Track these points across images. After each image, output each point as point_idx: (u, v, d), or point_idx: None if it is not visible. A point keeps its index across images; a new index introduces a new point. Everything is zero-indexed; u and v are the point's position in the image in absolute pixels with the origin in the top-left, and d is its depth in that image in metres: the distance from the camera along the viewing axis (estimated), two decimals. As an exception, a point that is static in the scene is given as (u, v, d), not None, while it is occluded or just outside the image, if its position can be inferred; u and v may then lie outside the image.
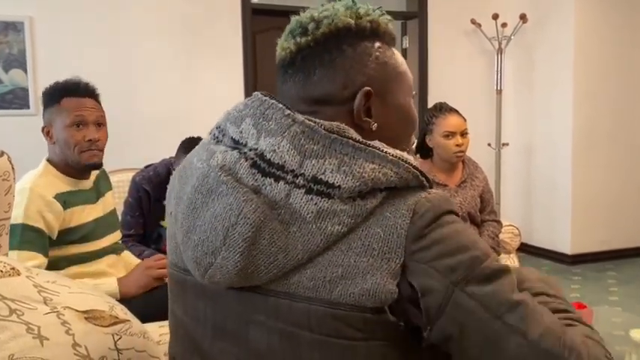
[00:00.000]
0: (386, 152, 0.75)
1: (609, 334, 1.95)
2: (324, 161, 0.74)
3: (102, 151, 1.77)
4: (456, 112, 2.40)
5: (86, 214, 1.76)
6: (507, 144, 4.79)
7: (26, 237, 1.59)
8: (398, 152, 0.77)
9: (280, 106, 0.78)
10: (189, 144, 2.34)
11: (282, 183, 0.74)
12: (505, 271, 0.74)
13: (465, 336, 0.72)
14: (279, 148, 0.75)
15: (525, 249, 4.74)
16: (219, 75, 4.19)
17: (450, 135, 2.34)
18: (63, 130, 1.70)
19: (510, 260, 2.59)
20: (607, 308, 2.62)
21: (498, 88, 4.78)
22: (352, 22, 0.83)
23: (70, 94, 1.71)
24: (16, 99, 3.82)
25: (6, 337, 0.92)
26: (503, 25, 4.64)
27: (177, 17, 4.17)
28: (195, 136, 2.34)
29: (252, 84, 4.37)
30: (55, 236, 1.66)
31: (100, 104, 1.80)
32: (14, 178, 1.43)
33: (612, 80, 4.51)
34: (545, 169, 4.73)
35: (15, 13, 3.80)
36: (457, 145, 2.34)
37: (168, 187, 0.90)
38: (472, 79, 4.99)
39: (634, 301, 3.52)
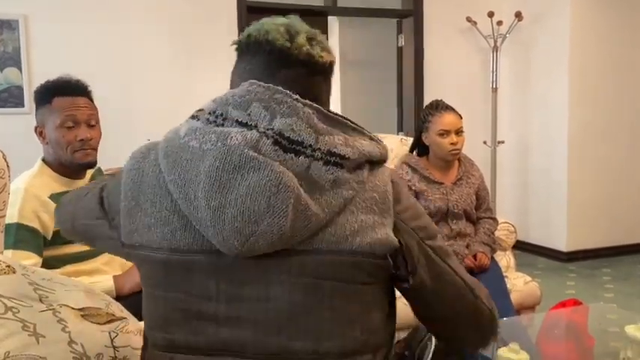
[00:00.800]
0: (369, 133, 0.96)
1: (604, 331, 1.96)
2: (334, 137, 0.88)
3: (95, 149, 1.75)
4: (452, 109, 2.40)
5: None
6: (503, 142, 4.80)
7: (21, 236, 1.58)
8: (375, 136, 0.98)
9: (287, 92, 0.88)
10: None
11: (302, 157, 0.85)
12: (436, 232, 0.99)
13: (433, 278, 0.95)
14: (296, 126, 0.85)
15: (521, 246, 4.75)
16: (215, 73, 4.17)
17: (444, 133, 2.34)
18: (54, 131, 1.68)
19: (506, 257, 2.59)
20: (602, 305, 2.63)
21: (494, 86, 4.79)
22: (334, 59, 1.00)
23: (61, 94, 1.69)
24: (11, 97, 3.80)
25: (1, 334, 0.92)
26: (499, 23, 4.65)
27: (173, 16, 4.16)
28: None
29: (247, 82, 4.36)
30: (50, 236, 1.65)
31: (92, 102, 1.78)
32: (9, 176, 1.43)
33: (608, 78, 4.53)
34: (540, 166, 4.74)
35: (9, 11, 3.78)
36: (452, 144, 2.35)
37: (137, 175, 0.91)
38: (468, 77, 5.00)
39: (629, 298, 3.54)
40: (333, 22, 6.12)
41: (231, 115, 0.87)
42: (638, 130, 4.68)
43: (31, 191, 1.63)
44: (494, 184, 4.76)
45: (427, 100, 4.74)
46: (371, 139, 0.95)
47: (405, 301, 2.33)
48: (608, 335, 1.91)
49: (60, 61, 3.79)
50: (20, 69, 3.80)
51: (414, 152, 2.52)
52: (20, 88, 3.80)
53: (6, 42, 3.78)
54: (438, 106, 2.41)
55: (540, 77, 4.69)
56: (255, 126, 0.85)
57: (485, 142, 4.79)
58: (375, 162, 0.94)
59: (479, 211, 2.48)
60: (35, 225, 1.61)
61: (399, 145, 2.89)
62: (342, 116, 0.92)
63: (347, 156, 0.87)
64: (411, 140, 2.58)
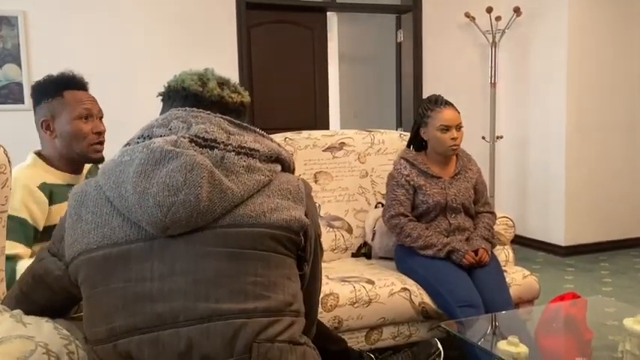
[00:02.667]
0: (276, 142, 1.16)
1: (603, 324, 1.97)
2: (244, 137, 1.09)
3: (103, 145, 1.77)
4: (452, 105, 2.40)
5: None
6: (501, 137, 4.81)
7: (8, 226, 1.57)
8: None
9: (202, 110, 1.10)
10: None
11: (216, 150, 1.04)
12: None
13: (313, 263, 1.16)
14: (209, 129, 1.05)
15: (519, 240, 4.77)
16: (214, 69, 4.18)
17: (445, 129, 2.35)
18: (69, 123, 1.68)
19: (505, 251, 2.60)
20: (600, 298, 2.64)
21: (492, 81, 4.79)
22: (246, 100, 1.26)
23: (72, 87, 1.70)
24: (11, 94, 3.81)
25: None
26: (498, 18, 4.65)
27: (172, 12, 4.16)
28: None
29: (247, 77, 4.36)
30: (40, 228, 1.63)
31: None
32: (10, 171, 1.43)
33: (606, 72, 4.53)
34: (539, 161, 4.75)
35: (9, 7, 3.78)
36: (452, 139, 2.35)
37: (80, 195, 1.06)
38: (466, 73, 5.00)
39: (627, 291, 3.56)
40: (331, 17, 6.12)
41: (155, 134, 1.06)
42: (636, 124, 4.69)
43: (21, 180, 1.61)
44: (493, 179, 4.78)
45: (426, 95, 4.75)
46: (279, 145, 1.15)
47: (403, 294, 2.33)
48: (606, 328, 1.93)
49: (59, 57, 3.79)
50: (20, 65, 3.80)
51: (412, 147, 2.53)
52: (20, 85, 3.81)
53: (5, 39, 3.78)
54: (438, 101, 2.40)
55: (538, 72, 4.70)
56: (175, 134, 1.05)
57: (483, 137, 4.80)
58: (286, 167, 1.16)
59: (477, 205, 2.49)
60: (24, 215, 1.60)
61: (397, 141, 2.90)
62: (252, 126, 1.13)
63: (257, 149, 1.08)
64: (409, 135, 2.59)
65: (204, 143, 1.03)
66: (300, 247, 1.09)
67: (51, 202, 1.65)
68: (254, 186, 1.04)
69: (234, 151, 1.05)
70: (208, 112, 1.09)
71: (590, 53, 4.47)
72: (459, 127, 2.38)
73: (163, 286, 0.96)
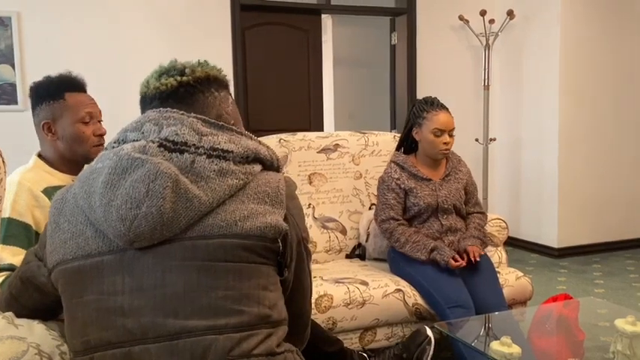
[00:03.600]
0: (257, 139, 1.10)
1: (595, 325, 1.99)
2: (218, 137, 1.01)
3: (104, 146, 1.75)
4: (447, 109, 2.41)
5: None
6: (495, 139, 4.84)
7: (11, 231, 1.55)
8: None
9: (176, 110, 1.03)
10: None
11: (186, 154, 0.98)
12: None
13: (298, 271, 1.10)
14: (180, 131, 0.99)
15: (513, 242, 4.79)
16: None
17: (439, 133, 2.36)
18: (72, 126, 1.68)
19: (498, 253, 2.62)
20: (592, 300, 2.66)
21: (486, 83, 4.82)
22: (217, 73, 1.13)
23: (72, 89, 1.70)
24: (4, 94, 3.79)
25: None
26: (491, 21, 4.68)
27: (167, 13, 4.15)
28: None
29: (242, 79, 4.36)
30: (41, 232, 1.63)
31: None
32: (5, 172, 1.43)
33: (598, 75, 4.57)
34: (532, 163, 4.78)
35: (2, 8, 3.76)
36: (444, 144, 2.37)
37: (60, 203, 1.04)
38: (460, 75, 5.03)
39: (619, 293, 3.58)
40: (326, 19, 6.13)
41: (128, 138, 1.02)
42: (628, 127, 4.73)
43: (25, 185, 1.61)
44: (487, 181, 4.80)
45: (420, 97, 4.76)
46: (259, 143, 1.08)
47: (397, 295, 2.34)
48: (598, 329, 1.94)
49: (53, 58, 3.78)
50: (13, 66, 3.79)
51: (401, 150, 2.54)
52: (13, 86, 3.79)
53: (-1, 39, 3.76)
54: (434, 104, 2.41)
55: (531, 75, 4.73)
56: (147, 138, 1.00)
57: (477, 140, 4.82)
58: (268, 165, 1.09)
59: (468, 205, 2.50)
60: (28, 220, 1.59)
61: (391, 143, 2.91)
62: (227, 124, 1.06)
63: (230, 150, 1.00)
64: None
65: (174, 147, 0.98)
66: (278, 253, 1.02)
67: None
68: (225, 191, 0.97)
69: (205, 154, 0.98)
70: (182, 112, 1.03)
71: (583, 56, 4.50)
72: (451, 133, 2.39)
73: (133, 300, 0.93)
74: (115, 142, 1.03)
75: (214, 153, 0.99)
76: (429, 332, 1.95)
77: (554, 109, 4.50)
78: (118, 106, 3.85)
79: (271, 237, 0.98)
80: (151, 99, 1.09)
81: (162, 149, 0.97)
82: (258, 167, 1.05)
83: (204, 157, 0.98)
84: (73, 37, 3.92)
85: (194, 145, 0.98)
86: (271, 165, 1.10)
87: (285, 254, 1.03)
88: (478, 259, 2.25)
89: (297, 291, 1.12)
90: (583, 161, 4.58)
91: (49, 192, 1.64)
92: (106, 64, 3.99)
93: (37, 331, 1.03)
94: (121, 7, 4.03)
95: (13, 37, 3.77)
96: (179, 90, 1.07)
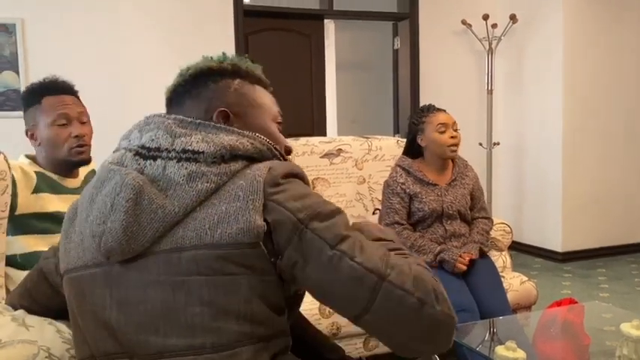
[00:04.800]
0: (242, 130, 0.98)
1: (600, 330, 1.98)
2: (191, 137, 0.94)
3: (89, 146, 1.73)
4: (444, 110, 2.45)
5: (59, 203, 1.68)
6: (498, 143, 4.83)
7: (21, 222, 1.58)
8: (255, 133, 0.99)
9: (159, 113, 1.00)
10: None
11: (159, 160, 0.93)
12: (338, 211, 0.93)
13: (307, 263, 0.88)
14: (155, 136, 0.95)
15: (517, 247, 4.78)
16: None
17: (443, 128, 2.37)
18: (47, 129, 1.65)
19: (502, 257, 2.61)
20: (598, 304, 2.65)
21: (489, 88, 4.82)
22: (214, 64, 1.07)
23: (50, 93, 1.67)
24: (8, 101, 3.81)
25: None
26: (494, 25, 4.68)
27: (170, 19, 4.17)
28: None
29: (244, 85, 4.37)
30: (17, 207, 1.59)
31: (80, 101, 1.75)
32: (11, 178, 1.44)
33: (601, 79, 4.56)
34: (536, 167, 4.77)
35: (6, 15, 3.79)
36: (452, 138, 2.37)
37: (72, 210, 1.04)
38: (463, 80, 5.03)
39: (624, 297, 3.56)
40: (329, 24, 6.14)
41: (120, 146, 1.01)
42: (632, 130, 4.72)
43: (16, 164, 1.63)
44: (490, 186, 4.79)
45: (423, 102, 4.76)
46: (243, 135, 0.97)
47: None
48: (603, 334, 1.93)
49: (57, 64, 3.80)
50: (17, 72, 3.81)
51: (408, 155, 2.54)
52: (17, 92, 3.81)
53: (3, 46, 3.78)
54: (430, 108, 2.46)
55: (534, 79, 4.73)
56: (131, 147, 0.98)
57: (480, 144, 4.81)
58: (257, 159, 0.97)
59: (473, 211, 2.49)
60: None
61: (395, 147, 2.91)
62: (208, 121, 0.98)
63: (201, 150, 0.92)
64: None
65: (149, 154, 0.93)
66: (264, 256, 0.89)
67: (38, 190, 1.63)
68: (193, 198, 0.89)
69: (176, 157, 0.92)
70: (165, 114, 1.00)
71: (586, 59, 4.50)
72: (455, 128, 2.40)
73: (119, 315, 0.91)
74: (115, 151, 1.02)
75: (184, 156, 0.92)
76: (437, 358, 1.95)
77: (557, 113, 4.50)
78: (120, 111, 3.87)
79: (248, 242, 0.87)
80: (166, 108, 1.10)
81: (137, 157, 0.94)
82: (238, 165, 0.93)
83: (175, 161, 0.92)
84: (76, 44, 3.94)
85: (166, 149, 0.93)
86: (261, 157, 0.97)
87: (278, 252, 0.89)
88: (466, 262, 2.26)
89: (325, 279, 0.88)
90: (587, 165, 4.57)
91: (39, 174, 1.65)
92: (109, 69, 4.00)
93: (47, 334, 1.04)
94: (124, 14, 4.05)
95: (17, 43, 3.80)
96: (175, 93, 1.06)
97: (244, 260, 0.87)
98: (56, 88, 1.69)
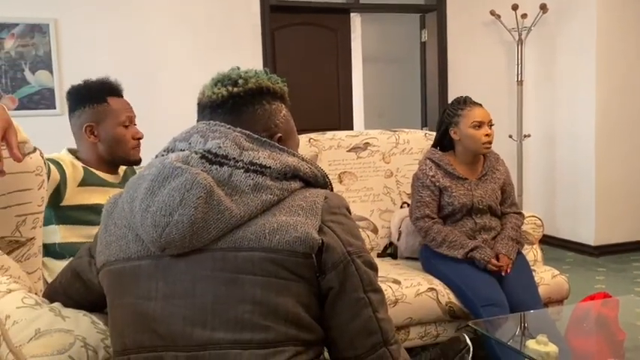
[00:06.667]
0: (301, 155, 1.08)
1: (633, 325, 1.94)
2: (258, 152, 1.01)
3: (140, 147, 1.86)
4: (480, 105, 2.41)
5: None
6: (529, 135, 4.75)
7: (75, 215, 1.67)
8: (311, 160, 1.10)
9: (224, 124, 1.04)
10: None
11: (225, 167, 0.98)
12: (376, 267, 1.04)
13: (340, 292, 0.98)
14: (223, 144, 1.00)
15: (548, 241, 4.70)
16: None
17: (478, 125, 2.34)
18: (114, 129, 1.75)
19: (533, 251, 2.57)
20: (633, 298, 2.59)
21: (519, 79, 4.74)
22: (270, 85, 1.11)
23: (113, 94, 1.78)
24: (43, 99, 3.91)
25: (33, 316, 1.05)
26: (523, 15, 4.59)
27: (198, 16, 4.22)
28: None
29: (271, 80, 4.39)
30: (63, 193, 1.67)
31: None
32: (47, 173, 1.48)
33: (636, 68, 4.44)
34: (567, 159, 4.68)
35: (40, 15, 3.89)
36: (486, 135, 2.35)
37: (111, 206, 1.08)
38: (492, 71, 4.95)
39: (661, 292, 3.48)
40: (355, 18, 6.12)
41: (177, 147, 1.05)
42: (669, 121, 4.58)
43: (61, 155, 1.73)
44: (521, 178, 4.72)
45: (451, 94, 4.71)
46: (302, 159, 1.07)
47: (430, 294, 2.32)
48: (636, 329, 1.89)
49: (89, 63, 3.88)
50: (51, 72, 3.91)
51: (437, 147, 2.52)
52: (51, 90, 3.91)
53: (38, 46, 3.88)
54: (467, 102, 2.41)
55: (566, 69, 4.62)
56: (192, 149, 1.02)
57: (511, 136, 4.74)
58: (311, 183, 1.06)
59: (504, 206, 2.46)
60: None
61: (423, 140, 2.89)
62: (270, 140, 1.06)
63: (268, 165, 1.00)
64: (434, 135, 2.58)
65: (215, 159, 0.99)
66: (316, 269, 0.96)
67: (84, 183, 1.71)
68: (258, 206, 0.97)
69: (243, 168, 0.98)
70: (229, 126, 1.04)
71: (620, 49, 4.38)
72: (490, 124, 2.37)
73: (165, 307, 0.95)
74: (164, 151, 1.06)
75: (252, 167, 0.99)
76: (469, 341, 1.94)
77: (590, 104, 4.39)
78: (150, 109, 3.94)
79: (302, 252, 0.94)
80: (204, 107, 1.10)
81: (203, 160, 0.98)
82: (297, 184, 1.03)
83: (242, 171, 0.98)
84: (107, 43, 4.02)
85: (234, 158, 0.99)
86: (315, 182, 1.07)
87: (324, 270, 0.96)
88: (508, 271, 2.24)
89: (346, 321, 0.98)
90: (621, 157, 4.46)
91: (86, 169, 1.74)
92: (139, 68, 4.07)
93: (83, 325, 1.07)
94: (152, 13, 4.11)
95: (51, 43, 3.89)
96: (229, 101, 1.08)
97: (296, 268, 0.94)
98: (117, 91, 1.80)
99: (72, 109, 1.77)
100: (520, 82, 4.74)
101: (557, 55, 4.71)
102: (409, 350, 2.05)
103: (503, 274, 2.22)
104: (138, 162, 1.83)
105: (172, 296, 0.95)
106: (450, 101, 2.57)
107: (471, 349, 1.94)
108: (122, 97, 1.81)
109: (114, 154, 1.77)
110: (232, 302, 0.93)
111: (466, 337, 1.96)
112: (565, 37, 4.60)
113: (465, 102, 2.41)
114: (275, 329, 0.93)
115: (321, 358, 1.02)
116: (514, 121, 4.80)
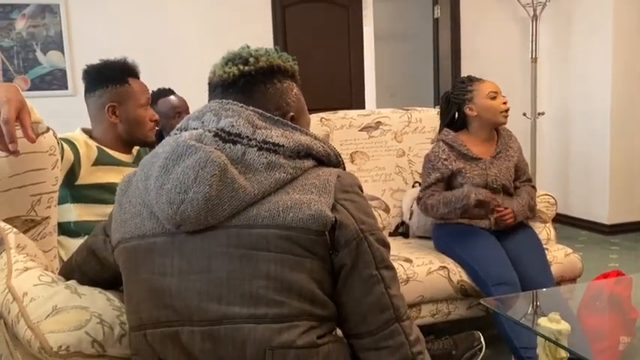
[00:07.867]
0: (314, 134, 1.08)
1: (648, 303, 1.93)
2: (271, 131, 1.02)
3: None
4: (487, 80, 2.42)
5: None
6: (543, 113, 4.69)
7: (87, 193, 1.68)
8: (324, 138, 1.10)
9: (236, 102, 1.05)
10: (157, 95, 2.78)
11: (239, 145, 0.99)
12: (388, 245, 1.05)
13: (353, 269, 0.99)
14: (236, 123, 1.01)
15: (561, 219, 4.66)
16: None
17: (495, 95, 2.35)
18: (135, 110, 1.77)
19: (546, 229, 2.56)
20: (646, 277, 2.57)
21: (533, 56, 4.66)
22: (281, 63, 1.12)
23: (133, 75, 1.79)
24: (55, 80, 3.92)
25: (50, 294, 1.07)
26: (539, -10, 4.50)
27: (207, -5, 4.19)
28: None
29: (282, 59, 4.37)
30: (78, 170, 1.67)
31: None
32: (61, 153, 1.49)
33: (654, 44, 4.35)
34: (582, 138, 4.62)
35: (51, -5, 3.88)
36: (504, 104, 2.36)
37: (125, 185, 1.10)
38: (506, 48, 4.88)
39: (675, 270, 3.45)
40: (367, -5, 6.05)
41: (190, 126, 1.05)
42: (687, 98, 4.49)
43: (76, 135, 1.74)
44: (535, 156, 4.67)
45: (464, 72, 4.66)
46: (315, 138, 1.07)
47: (441, 272, 2.32)
48: (651, 307, 1.88)
49: (100, 43, 3.88)
50: (63, 52, 3.91)
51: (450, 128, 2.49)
52: (63, 71, 3.92)
53: (48, 26, 3.89)
54: (473, 79, 2.42)
55: (582, 46, 4.54)
56: (206, 128, 1.03)
57: (524, 114, 4.69)
58: (324, 162, 1.08)
59: (517, 181, 2.45)
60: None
61: (435, 119, 2.87)
62: (283, 119, 1.06)
63: (281, 144, 1.01)
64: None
65: (228, 138, 1.00)
66: (329, 246, 0.97)
67: (98, 162, 1.72)
68: (272, 184, 0.98)
69: (257, 146, 0.99)
70: (242, 104, 1.04)
71: (636, 26, 4.28)
72: (503, 95, 2.39)
73: (180, 283, 0.96)
74: (177, 130, 1.06)
75: (265, 146, 1.00)
76: (482, 340, 1.96)
77: (605, 81, 4.32)
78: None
79: (315, 229, 0.95)
80: (215, 86, 1.11)
81: (217, 139, 0.99)
82: (310, 162, 1.04)
83: (255, 149, 0.99)
84: (118, 22, 4.01)
85: (247, 137, 1.00)
86: (328, 161, 1.08)
87: (337, 248, 0.98)
88: (510, 220, 2.27)
89: (358, 297, 1.00)
90: (636, 135, 4.39)
91: (100, 149, 1.74)
92: (150, 47, 4.06)
93: (98, 302, 1.09)
94: (163, -9, 4.09)
95: (61, 23, 3.89)
96: (240, 80, 1.08)
97: (310, 245, 0.96)
98: (136, 72, 1.82)
99: (91, 89, 1.76)
100: (534, 59, 4.66)
101: (572, 31, 4.62)
102: (421, 328, 2.07)
103: (504, 222, 2.27)
104: (153, 144, 1.84)
105: (188, 272, 0.96)
106: (462, 78, 2.55)
107: (483, 348, 1.97)
108: (139, 78, 1.82)
109: (132, 135, 1.79)
110: (247, 277, 0.94)
111: (480, 335, 1.98)
112: (581, 13, 4.51)
113: (470, 79, 2.42)
114: (289, 304, 0.94)
115: (333, 334, 1.03)
116: (528, 99, 4.74)
